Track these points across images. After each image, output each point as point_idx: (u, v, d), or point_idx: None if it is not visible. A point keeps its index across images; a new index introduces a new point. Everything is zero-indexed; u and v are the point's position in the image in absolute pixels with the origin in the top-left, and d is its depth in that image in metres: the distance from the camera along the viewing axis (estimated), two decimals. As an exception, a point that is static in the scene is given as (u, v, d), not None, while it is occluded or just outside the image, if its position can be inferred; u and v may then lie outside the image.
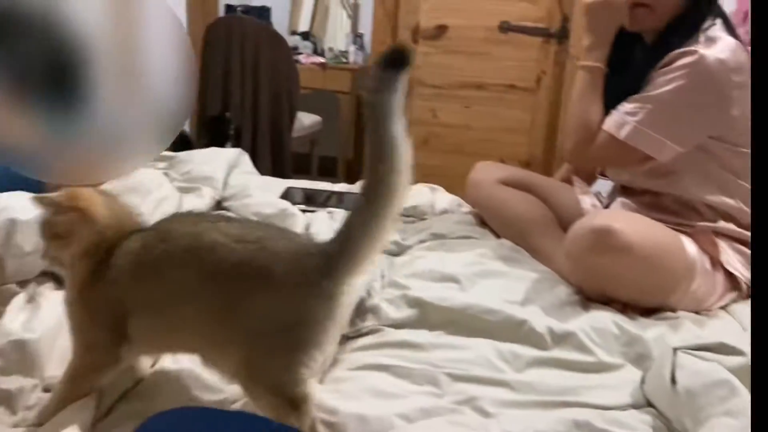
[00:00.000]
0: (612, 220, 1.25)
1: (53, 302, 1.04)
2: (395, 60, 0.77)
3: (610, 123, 1.35)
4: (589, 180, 1.68)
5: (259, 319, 0.79)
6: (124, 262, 0.83)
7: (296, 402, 0.80)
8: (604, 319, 1.17)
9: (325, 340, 0.81)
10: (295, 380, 0.80)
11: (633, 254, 1.21)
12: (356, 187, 1.93)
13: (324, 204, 1.78)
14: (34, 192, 1.18)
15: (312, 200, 1.80)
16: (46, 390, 0.91)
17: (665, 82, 1.29)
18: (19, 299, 1.05)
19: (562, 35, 2.92)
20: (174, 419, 0.63)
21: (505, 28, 2.97)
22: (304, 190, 1.88)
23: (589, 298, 1.29)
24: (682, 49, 1.28)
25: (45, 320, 1.00)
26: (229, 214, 1.57)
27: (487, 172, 1.69)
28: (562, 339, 1.11)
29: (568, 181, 1.72)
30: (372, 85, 0.77)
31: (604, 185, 1.65)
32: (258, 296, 0.79)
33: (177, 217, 0.91)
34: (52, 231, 0.85)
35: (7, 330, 0.96)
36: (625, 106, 1.33)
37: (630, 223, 1.25)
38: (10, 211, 1.08)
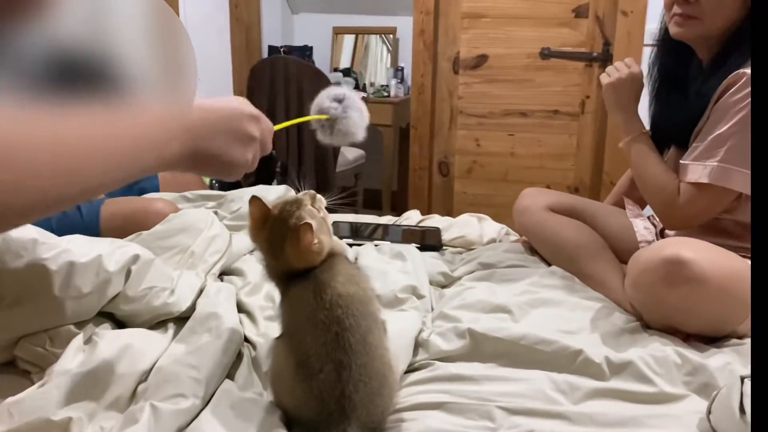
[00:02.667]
0: (681, 248, 1.14)
1: (110, 341, 1.06)
2: None
3: (690, 174, 1.28)
4: (642, 203, 1.63)
5: None
6: None
7: None
8: (665, 347, 1.12)
9: None
10: None
11: (707, 285, 1.11)
12: (401, 219, 1.93)
13: (370, 237, 1.78)
14: (91, 235, 1.22)
15: (358, 233, 1.81)
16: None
17: (735, 113, 1.21)
18: (77, 340, 1.07)
19: (604, 58, 2.89)
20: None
21: (546, 54, 2.96)
22: (350, 223, 1.88)
23: (648, 325, 1.24)
24: (742, 70, 1.22)
25: (102, 355, 1.02)
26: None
27: (534, 199, 1.64)
28: (621, 369, 1.07)
29: (619, 204, 1.68)
30: None
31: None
32: None
33: None
34: None
35: (64, 369, 0.98)
36: (698, 153, 1.27)
37: (701, 252, 1.15)
38: (68, 254, 1.11)
